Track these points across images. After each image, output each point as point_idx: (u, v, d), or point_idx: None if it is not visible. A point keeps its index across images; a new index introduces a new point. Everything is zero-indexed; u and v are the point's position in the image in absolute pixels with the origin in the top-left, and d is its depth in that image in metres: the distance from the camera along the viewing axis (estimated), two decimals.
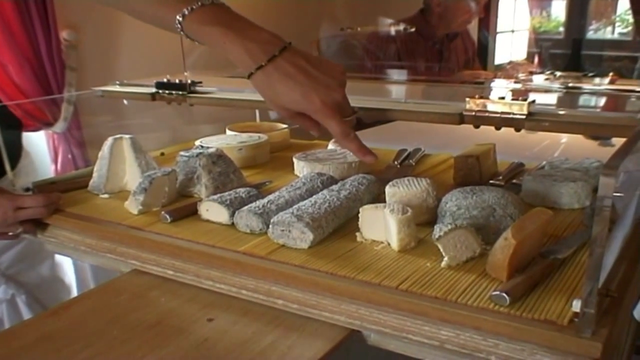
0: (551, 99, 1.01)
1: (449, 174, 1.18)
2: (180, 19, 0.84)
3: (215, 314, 0.84)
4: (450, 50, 2.49)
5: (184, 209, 1.01)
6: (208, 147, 1.16)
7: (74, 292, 1.58)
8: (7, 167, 1.21)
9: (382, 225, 0.86)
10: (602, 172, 0.57)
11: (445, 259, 0.78)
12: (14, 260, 1.40)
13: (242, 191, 1.01)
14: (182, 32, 0.86)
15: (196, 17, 0.84)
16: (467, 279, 0.74)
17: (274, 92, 0.85)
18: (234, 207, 0.96)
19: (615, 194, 0.57)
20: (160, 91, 1.20)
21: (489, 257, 0.75)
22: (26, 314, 1.41)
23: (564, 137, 1.72)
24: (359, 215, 0.89)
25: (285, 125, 1.54)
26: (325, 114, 0.84)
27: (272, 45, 0.83)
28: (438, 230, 0.78)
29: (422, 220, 0.92)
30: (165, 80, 1.21)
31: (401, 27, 2.41)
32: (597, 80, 1.14)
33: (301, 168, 1.21)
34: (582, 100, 1.04)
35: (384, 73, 2.35)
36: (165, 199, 1.06)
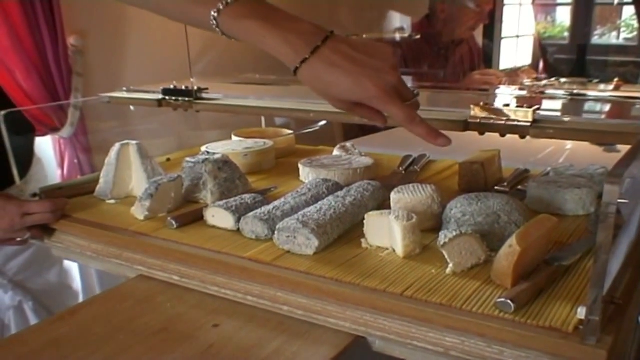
0: (556, 105, 1.01)
1: (454, 180, 1.18)
2: (215, 14, 0.79)
3: (220, 319, 0.84)
4: (456, 56, 2.50)
5: (189, 214, 1.02)
6: (214, 153, 1.16)
7: (81, 299, 1.59)
8: (15, 173, 1.22)
9: (387, 232, 0.86)
10: (606, 179, 0.57)
11: (450, 265, 0.78)
12: (22, 267, 1.40)
13: (247, 197, 1.01)
14: (217, 29, 0.81)
15: (232, 11, 0.78)
16: (472, 286, 0.74)
17: (324, 85, 0.79)
18: (239, 213, 0.96)
19: (620, 201, 0.57)
20: (167, 97, 1.21)
21: (494, 264, 0.76)
22: (33, 321, 1.42)
23: (569, 144, 1.72)
24: (364, 221, 0.89)
25: (290, 131, 1.55)
26: (383, 100, 0.77)
27: (314, 35, 0.77)
28: (443, 237, 0.78)
29: (427, 227, 0.92)
30: (171, 86, 1.22)
31: (406, 33, 2.41)
32: (602, 86, 1.14)
33: (307, 174, 1.21)
34: (587, 107, 1.04)
35: None
36: (171, 204, 1.06)
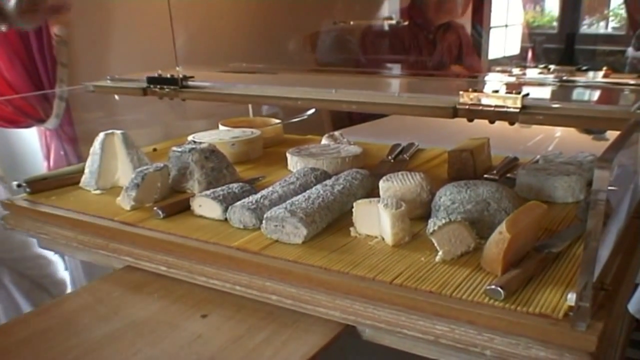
0: (545, 92, 1.01)
1: (443, 168, 1.17)
2: None
3: (208, 310, 0.83)
4: (443, 41, 2.48)
5: (176, 204, 1.01)
6: (201, 143, 1.15)
7: (69, 289, 1.57)
8: None
9: (376, 220, 0.85)
10: (596, 165, 0.56)
11: (440, 253, 0.78)
12: None
13: (235, 186, 1.00)
14: None
15: None
16: (461, 273, 0.74)
17: None
18: (227, 202, 0.95)
19: (609, 188, 0.56)
20: (152, 86, 1.19)
21: (484, 251, 0.75)
22: (15, 292, 1.39)
23: (558, 131, 1.72)
24: (353, 210, 0.88)
25: (278, 121, 1.54)
26: None
27: None
28: (432, 225, 0.78)
29: (416, 215, 0.92)
30: (156, 75, 1.20)
31: (394, 20, 2.40)
32: (590, 74, 1.14)
33: (295, 163, 1.20)
34: (576, 93, 1.04)
35: (377, 66, 2.34)
36: (157, 194, 1.05)
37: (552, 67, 1.17)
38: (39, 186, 1.13)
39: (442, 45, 2.48)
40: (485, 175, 1.11)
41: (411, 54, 2.39)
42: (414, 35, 2.43)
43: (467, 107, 0.85)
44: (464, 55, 2.58)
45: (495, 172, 1.13)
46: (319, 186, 0.97)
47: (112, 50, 2.19)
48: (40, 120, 2.01)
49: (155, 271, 0.92)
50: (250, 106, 1.62)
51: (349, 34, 2.49)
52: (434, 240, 0.78)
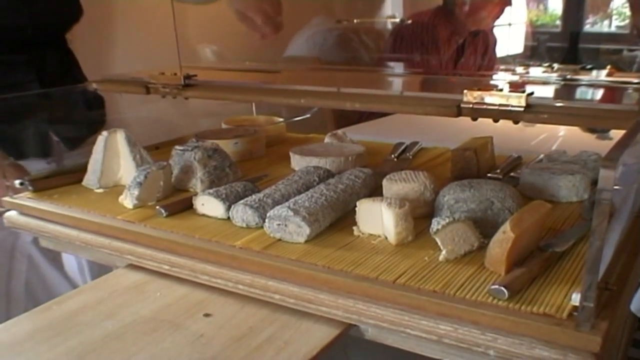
0: (549, 91, 1.00)
1: (447, 167, 1.17)
2: None
3: (211, 309, 0.83)
4: (471, 47, 2.46)
5: (179, 203, 1.00)
6: (203, 141, 1.15)
7: (71, 289, 1.56)
8: None
9: (379, 219, 0.85)
10: (601, 164, 0.56)
11: (443, 252, 0.77)
12: None
13: (238, 185, 1.00)
14: None
15: None
16: (465, 273, 0.74)
17: None
18: (229, 201, 0.95)
19: (614, 187, 0.56)
20: (155, 84, 1.19)
21: (488, 251, 0.75)
22: None
23: (562, 130, 1.71)
24: (356, 209, 0.88)
25: (281, 119, 1.54)
26: None
27: None
28: (436, 224, 0.77)
29: (420, 214, 0.91)
30: (159, 73, 1.20)
31: (397, 19, 2.39)
32: (594, 73, 1.13)
33: (297, 162, 1.20)
34: (580, 92, 1.03)
35: (383, 66, 2.33)
36: (160, 193, 1.05)
37: (555, 65, 1.17)
38: (41, 184, 1.13)
39: (470, 50, 2.46)
40: (489, 174, 1.11)
41: (442, 56, 2.38)
42: (442, 40, 2.40)
43: (471, 105, 0.85)
44: (487, 60, 2.57)
45: (498, 171, 1.12)
46: (322, 185, 0.97)
47: (115, 48, 2.19)
48: None
49: (157, 270, 0.92)
50: (253, 104, 1.62)
51: (352, 32, 2.48)
52: (437, 240, 0.77)
